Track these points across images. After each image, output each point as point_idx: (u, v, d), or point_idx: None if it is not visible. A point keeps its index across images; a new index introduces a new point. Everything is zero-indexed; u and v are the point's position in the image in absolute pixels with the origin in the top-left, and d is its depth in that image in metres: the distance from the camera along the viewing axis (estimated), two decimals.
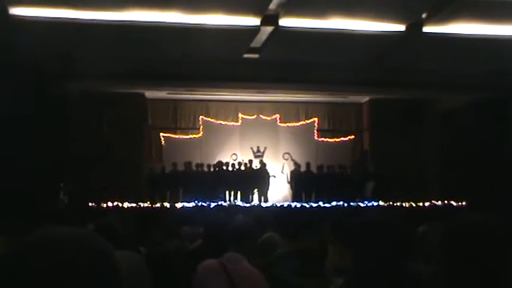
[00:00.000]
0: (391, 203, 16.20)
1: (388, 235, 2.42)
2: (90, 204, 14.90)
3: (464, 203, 16.41)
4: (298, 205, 16.26)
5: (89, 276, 1.15)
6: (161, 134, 18.95)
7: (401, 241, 2.45)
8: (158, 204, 15.64)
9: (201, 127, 19.11)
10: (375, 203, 16.18)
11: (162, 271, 3.41)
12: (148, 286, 2.52)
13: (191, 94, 18.53)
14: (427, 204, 16.54)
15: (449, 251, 1.91)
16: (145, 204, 15.45)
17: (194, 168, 17.30)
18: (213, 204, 15.58)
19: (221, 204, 15.78)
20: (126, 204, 15.25)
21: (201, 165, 17.47)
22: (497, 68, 15.50)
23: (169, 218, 12.70)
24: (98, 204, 14.96)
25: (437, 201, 16.75)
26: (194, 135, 19.08)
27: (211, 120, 19.17)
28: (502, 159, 16.30)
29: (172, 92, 18.22)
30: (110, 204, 15.18)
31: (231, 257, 3.61)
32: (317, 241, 4.16)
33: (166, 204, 15.76)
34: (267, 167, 17.59)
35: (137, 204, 15.34)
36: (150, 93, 18.29)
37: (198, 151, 18.51)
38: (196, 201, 15.59)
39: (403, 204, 16.31)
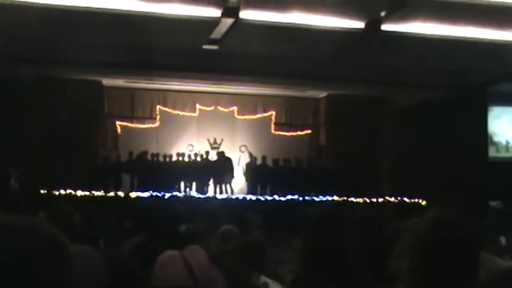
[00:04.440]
0: (343, 198, 16.41)
1: (345, 229, 2.41)
2: (41, 191, 14.70)
3: (417, 200, 16.80)
4: (254, 198, 16.44)
5: (37, 269, 1.04)
6: (117, 123, 18.74)
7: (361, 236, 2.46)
8: (112, 194, 15.55)
9: (158, 117, 18.99)
10: (330, 198, 16.38)
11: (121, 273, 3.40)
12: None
13: (149, 83, 18.36)
14: (380, 200, 16.83)
15: (420, 249, 1.94)
16: (99, 193, 15.32)
17: (149, 158, 17.20)
18: (167, 195, 15.65)
19: (176, 195, 15.87)
20: (79, 192, 15.11)
21: (157, 155, 17.41)
22: (452, 67, 15.86)
23: (124, 208, 12.67)
24: (50, 191, 14.77)
25: (390, 197, 17.06)
26: (151, 125, 18.97)
27: (169, 110, 19.05)
28: (455, 157, 16.71)
29: (130, 80, 18.03)
30: (62, 192, 15.01)
31: (190, 248, 3.85)
32: (263, 234, 4.23)
33: (121, 194, 15.68)
34: (229, 157, 17.68)
35: (90, 192, 15.21)
36: (107, 81, 17.97)
37: (154, 141, 18.41)
38: (151, 191, 15.61)
39: (357, 199, 16.52)
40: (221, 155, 17.70)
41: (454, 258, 1.90)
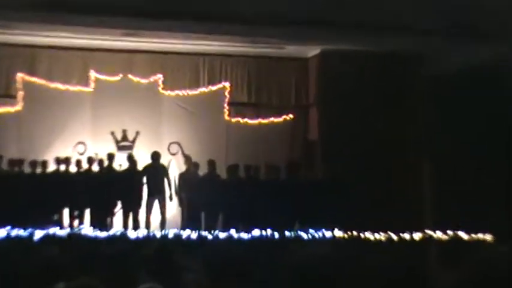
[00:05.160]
0: (351, 232, 16.53)
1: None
2: None
3: (479, 236, 16.75)
4: (194, 235, 16.19)
5: None
6: None
7: None
8: None
9: (21, 94, 18.83)
10: (327, 233, 16.45)
11: None
12: None
13: (3, 34, 18.12)
14: (416, 236, 16.74)
15: None
16: None
17: (6, 167, 17.16)
18: (39, 233, 15.60)
19: (54, 234, 15.85)
20: None
21: (19, 162, 17.27)
22: None
23: None
24: None
25: (434, 230, 16.96)
26: (8, 109, 18.86)
27: (40, 82, 18.93)
28: None
29: None
30: None
31: None
32: None
33: None
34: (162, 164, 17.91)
35: None
36: None
37: (14, 137, 18.51)
38: (8, 228, 15.70)
39: (375, 235, 16.66)
40: (153, 159, 17.66)
41: None
